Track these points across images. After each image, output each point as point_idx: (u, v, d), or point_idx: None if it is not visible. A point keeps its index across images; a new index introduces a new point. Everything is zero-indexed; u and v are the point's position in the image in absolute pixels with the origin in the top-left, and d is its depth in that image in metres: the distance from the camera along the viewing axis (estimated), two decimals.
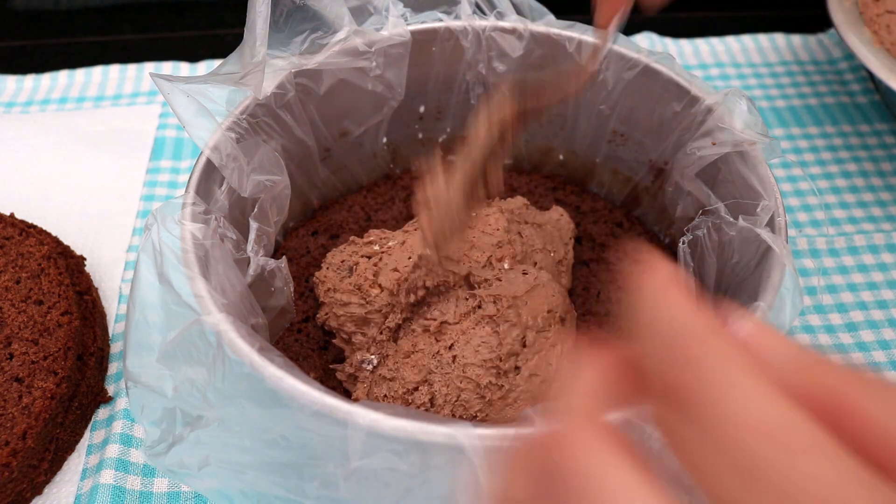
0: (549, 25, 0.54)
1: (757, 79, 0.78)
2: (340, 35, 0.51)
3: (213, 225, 0.43)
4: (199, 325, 0.37)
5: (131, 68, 0.77)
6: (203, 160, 0.45)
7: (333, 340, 0.49)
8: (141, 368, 0.38)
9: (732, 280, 0.44)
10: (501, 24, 0.54)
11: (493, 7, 0.54)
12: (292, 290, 0.48)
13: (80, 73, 0.77)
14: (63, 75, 0.76)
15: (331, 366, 0.49)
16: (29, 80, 0.76)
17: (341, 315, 0.47)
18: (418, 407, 0.43)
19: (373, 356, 0.46)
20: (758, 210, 0.43)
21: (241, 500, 0.36)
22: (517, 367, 0.43)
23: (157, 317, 0.39)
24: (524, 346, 0.44)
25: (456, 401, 0.43)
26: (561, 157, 0.61)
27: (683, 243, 0.48)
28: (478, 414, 0.43)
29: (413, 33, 0.54)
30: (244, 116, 0.48)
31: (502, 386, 0.43)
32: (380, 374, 0.45)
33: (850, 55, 0.78)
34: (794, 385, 0.19)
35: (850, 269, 0.61)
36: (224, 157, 0.45)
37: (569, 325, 0.46)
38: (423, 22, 0.54)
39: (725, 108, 0.48)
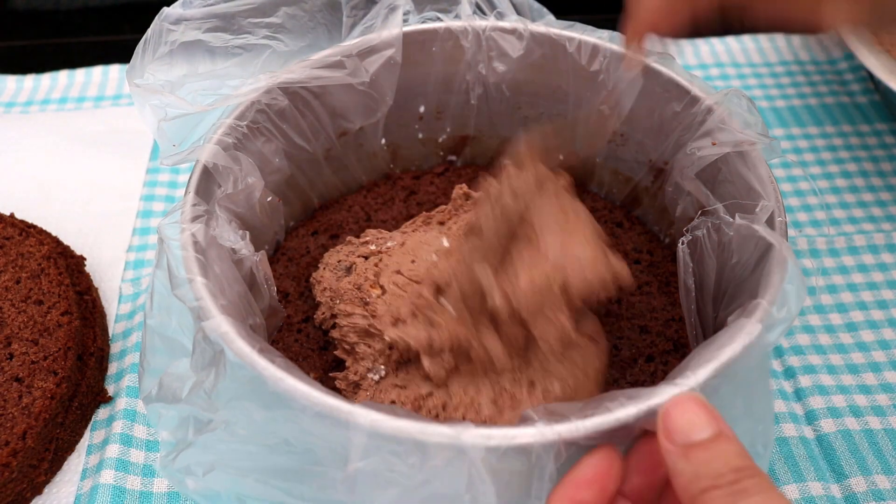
0: (549, 25, 0.54)
1: (757, 79, 0.78)
2: (326, 51, 0.51)
3: (213, 225, 0.43)
4: (202, 328, 0.37)
5: None
6: (201, 164, 0.45)
7: (336, 352, 0.48)
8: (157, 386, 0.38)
9: (732, 280, 0.44)
10: (501, 24, 0.54)
11: (493, 7, 0.54)
12: (274, 289, 0.48)
13: (80, 73, 0.77)
14: (63, 75, 0.76)
15: (330, 374, 0.48)
16: (29, 80, 0.76)
17: (344, 326, 0.46)
18: (429, 411, 0.43)
19: (381, 366, 0.45)
20: (757, 210, 0.43)
21: None
22: (532, 383, 0.43)
23: (172, 331, 0.40)
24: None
25: (469, 405, 0.42)
26: (561, 157, 0.61)
27: (683, 243, 0.47)
28: (486, 419, 0.42)
29: (413, 33, 0.54)
30: (243, 122, 0.48)
31: (515, 395, 0.42)
32: (389, 383, 0.44)
33: (850, 55, 0.78)
34: None
35: (850, 269, 0.61)
36: (220, 166, 0.46)
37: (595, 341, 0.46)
38: (423, 22, 0.54)
39: (725, 108, 0.48)
